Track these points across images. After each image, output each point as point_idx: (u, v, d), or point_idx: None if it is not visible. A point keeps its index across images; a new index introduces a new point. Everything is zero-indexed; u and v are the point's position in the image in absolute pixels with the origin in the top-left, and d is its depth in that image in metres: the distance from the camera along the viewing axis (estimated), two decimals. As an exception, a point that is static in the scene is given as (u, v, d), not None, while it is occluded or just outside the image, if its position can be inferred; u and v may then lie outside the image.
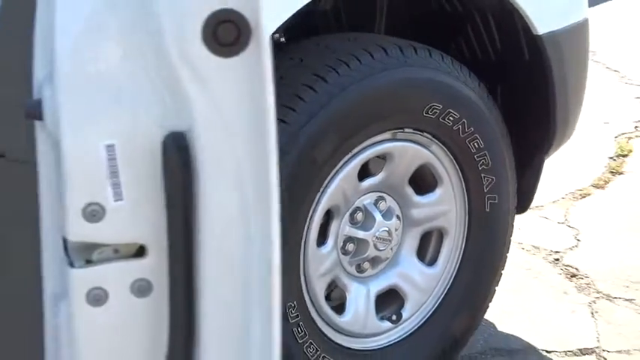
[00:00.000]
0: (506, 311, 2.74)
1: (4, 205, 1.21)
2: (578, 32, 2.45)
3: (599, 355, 2.63)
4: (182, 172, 1.03)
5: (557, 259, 3.12)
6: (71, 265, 1.06)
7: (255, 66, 1.02)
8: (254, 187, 1.05)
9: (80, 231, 1.04)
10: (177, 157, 1.02)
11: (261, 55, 1.01)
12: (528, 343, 2.67)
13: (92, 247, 1.06)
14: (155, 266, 1.07)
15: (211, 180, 1.04)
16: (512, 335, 2.70)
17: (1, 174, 1.20)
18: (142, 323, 1.08)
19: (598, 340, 2.69)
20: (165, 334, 1.08)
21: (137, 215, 1.05)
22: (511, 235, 2.42)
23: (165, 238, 1.05)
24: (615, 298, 2.90)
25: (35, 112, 1.05)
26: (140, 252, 1.07)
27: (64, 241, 1.07)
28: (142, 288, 1.07)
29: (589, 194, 3.58)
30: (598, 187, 3.63)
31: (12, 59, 1.19)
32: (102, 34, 1.02)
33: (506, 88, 2.45)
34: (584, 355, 2.63)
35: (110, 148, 1.02)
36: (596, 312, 2.83)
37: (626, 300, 2.88)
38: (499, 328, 2.73)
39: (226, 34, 0.99)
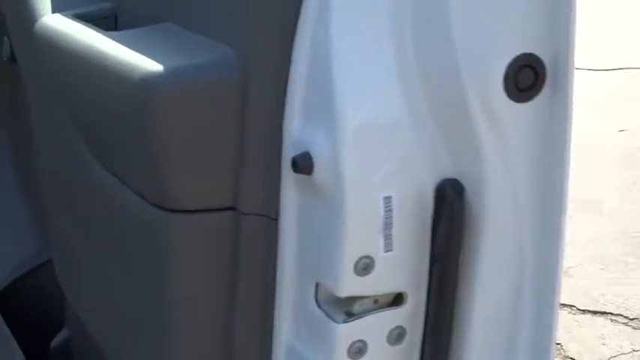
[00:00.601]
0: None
1: (231, 257, 1.13)
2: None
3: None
4: (457, 220, 0.98)
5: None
6: (332, 319, 1.04)
7: (549, 111, 0.97)
8: (533, 243, 1.01)
9: (350, 286, 1.00)
10: (453, 204, 0.98)
11: (556, 100, 0.97)
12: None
13: (352, 299, 1.03)
14: (411, 313, 1.04)
15: (489, 230, 0.99)
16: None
17: (229, 227, 1.12)
18: None
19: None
20: None
21: (403, 264, 1.02)
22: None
23: (425, 284, 1.02)
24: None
25: (305, 166, 0.99)
26: (397, 299, 1.05)
27: (316, 293, 1.05)
28: (397, 335, 1.05)
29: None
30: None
31: (238, 109, 1.07)
32: (387, 82, 0.97)
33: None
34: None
35: (387, 199, 0.98)
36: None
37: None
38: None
39: (525, 79, 0.95)
